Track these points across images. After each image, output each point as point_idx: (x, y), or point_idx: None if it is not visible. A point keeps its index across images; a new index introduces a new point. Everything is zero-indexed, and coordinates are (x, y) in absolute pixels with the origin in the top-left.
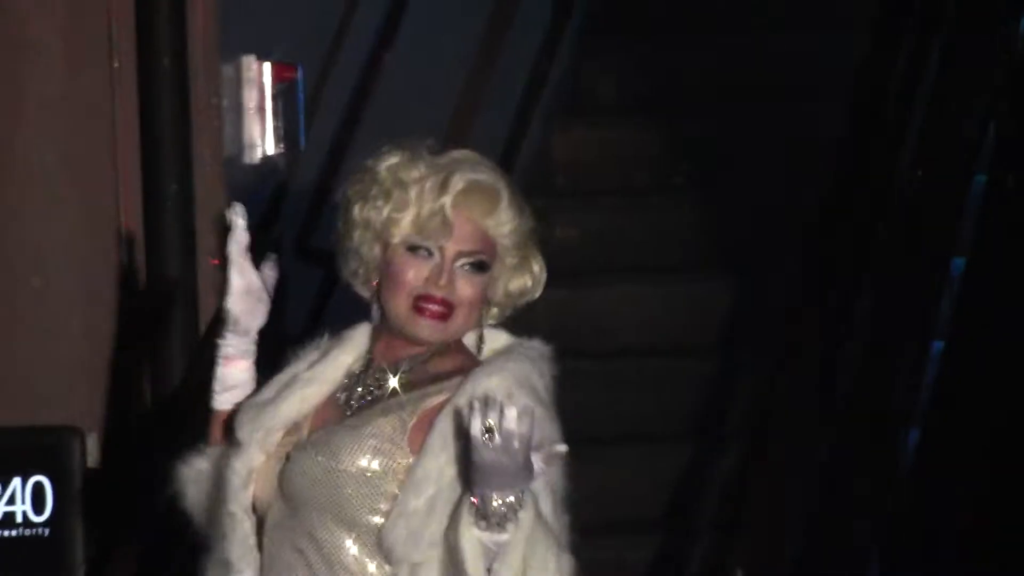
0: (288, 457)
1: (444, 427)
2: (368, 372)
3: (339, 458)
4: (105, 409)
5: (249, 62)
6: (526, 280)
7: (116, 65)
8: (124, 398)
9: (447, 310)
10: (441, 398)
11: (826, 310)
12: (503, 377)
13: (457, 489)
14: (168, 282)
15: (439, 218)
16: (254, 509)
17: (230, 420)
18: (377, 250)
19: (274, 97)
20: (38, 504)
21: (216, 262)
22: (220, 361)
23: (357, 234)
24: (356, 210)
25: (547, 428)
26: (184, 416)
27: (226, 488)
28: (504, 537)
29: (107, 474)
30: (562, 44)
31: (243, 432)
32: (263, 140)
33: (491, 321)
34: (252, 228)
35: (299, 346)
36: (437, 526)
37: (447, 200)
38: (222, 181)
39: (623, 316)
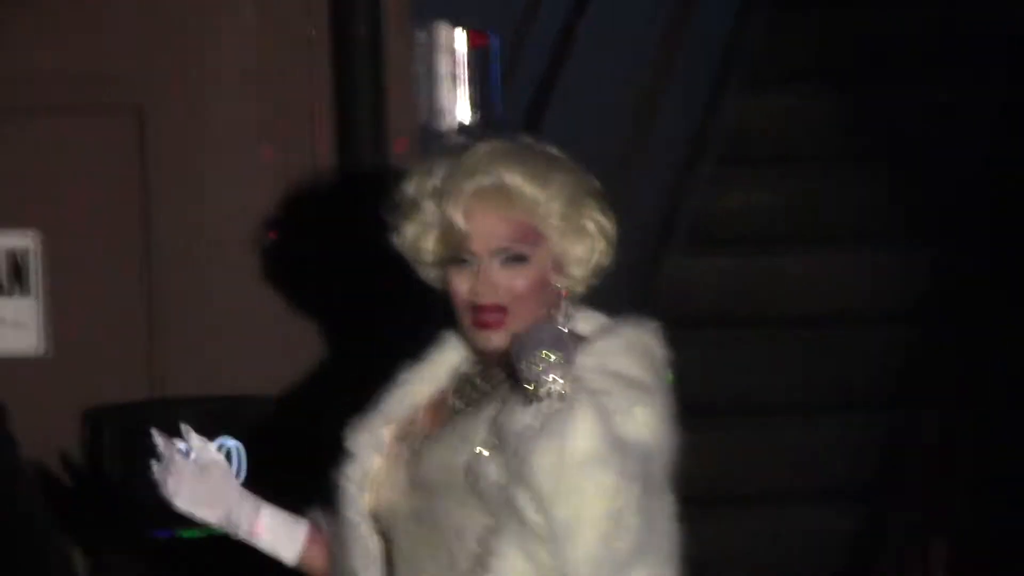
0: (413, 454)
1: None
2: (481, 373)
3: (471, 441)
4: (292, 378)
5: (443, 29)
6: (587, 243)
7: (311, 34)
8: (310, 367)
9: (500, 315)
10: None
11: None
12: (596, 354)
13: None
14: None
15: (455, 228)
16: (375, 517)
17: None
18: (433, 273)
19: (468, 64)
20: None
21: None
22: (251, 540)
23: (411, 263)
24: (396, 242)
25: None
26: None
27: (342, 496)
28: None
29: (294, 441)
30: (756, 10)
31: (351, 440)
32: (457, 107)
33: (579, 290)
34: None
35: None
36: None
37: (456, 210)
38: (418, 149)
39: (822, 282)
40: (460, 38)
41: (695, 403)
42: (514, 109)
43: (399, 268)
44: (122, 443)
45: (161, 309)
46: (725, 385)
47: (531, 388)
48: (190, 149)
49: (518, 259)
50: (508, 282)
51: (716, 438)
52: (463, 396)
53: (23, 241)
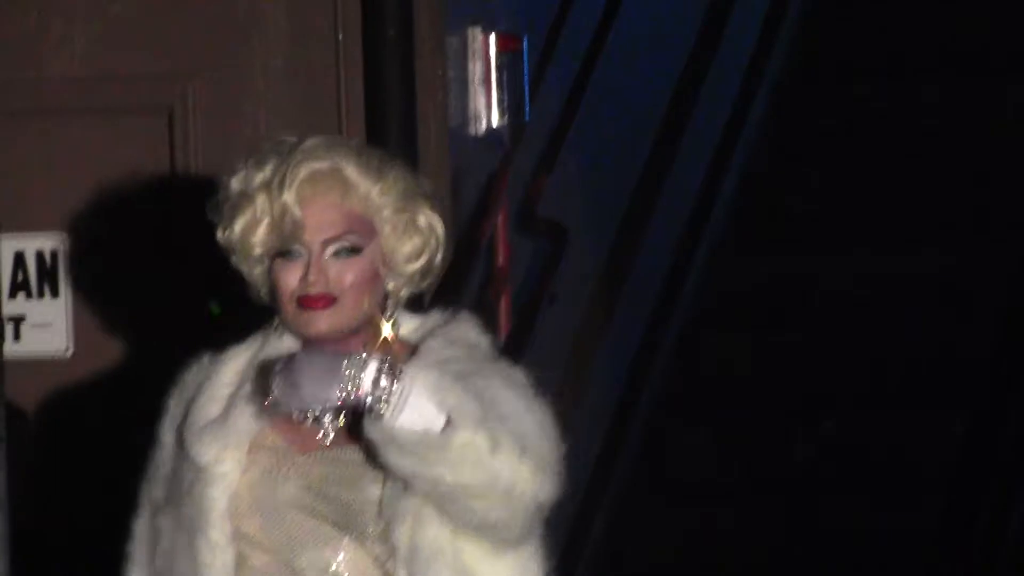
0: (266, 475)
1: None
2: None
3: (365, 473)
4: None
5: (474, 33)
6: (416, 241)
7: (341, 37)
8: None
9: (327, 303)
10: None
11: None
12: (433, 354)
13: None
14: None
15: (289, 216)
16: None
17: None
18: (258, 269)
19: (499, 68)
20: None
21: None
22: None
23: (233, 260)
24: (218, 235)
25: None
26: None
27: (204, 516)
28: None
29: None
30: (789, 10)
31: (208, 453)
32: (488, 111)
33: (405, 292)
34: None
35: (206, 358)
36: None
37: (289, 196)
38: (447, 153)
39: None
40: (491, 42)
41: None
42: (543, 113)
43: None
44: None
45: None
46: None
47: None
48: (219, 151)
49: (351, 251)
50: (339, 274)
51: None
52: None
53: (52, 243)
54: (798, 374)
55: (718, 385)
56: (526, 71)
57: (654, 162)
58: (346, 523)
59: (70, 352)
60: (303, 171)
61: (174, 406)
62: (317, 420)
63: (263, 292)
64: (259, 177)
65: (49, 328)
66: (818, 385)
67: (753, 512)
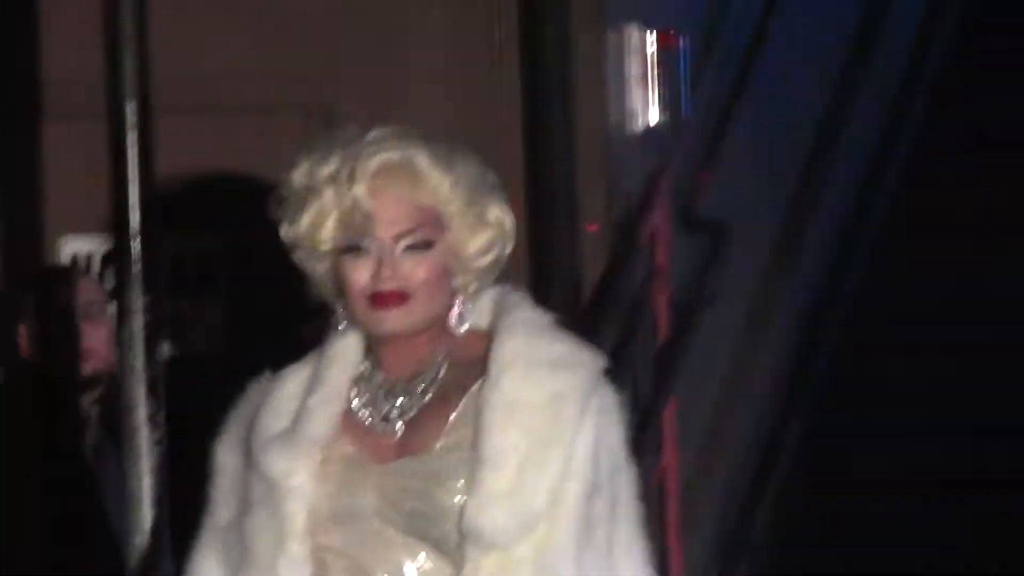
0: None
1: (494, 402)
2: (392, 385)
3: (442, 482)
4: None
5: (632, 31)
6: (487, 234)
7: (500, 35)
8: None
9: (401, 300)
10: (478, 382)
11: None
12: (518, 335)
13: (541, 458)
14: (552, 250)
15: (359, 210)
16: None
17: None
18: (322, 266)
19: (657, 66)
20: None
21: (594, 228)
22: None
23: (297, 257)
24: (282, 232)
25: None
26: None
27: (283, 531)
28: None
29: None
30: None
31: (279, 464)
32: (646, 109)
33: (472, 288)
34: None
35: (265, 377)
36: (536, 499)
37: (360, 189)
38: (606, 151)
39: None
40: (649, 39)
41: None
42: (702, 110)
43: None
44: None
45: None
46: None
47: None
48: None
49: (425, 245)
50: (411, 269)
51: None
52: (374, 407)
53: (210, 243)
54: (969, 373)
55: (886, 383)
56: (684, 68)
57: (815, 157)
58: (424, 532)
59: (228, 352)
60: (374, 163)
61: (234, 426)
62: (387, 421)
63: (326, 289)
64: (325, 170)
65: (207, 328)
66: (986, 384)
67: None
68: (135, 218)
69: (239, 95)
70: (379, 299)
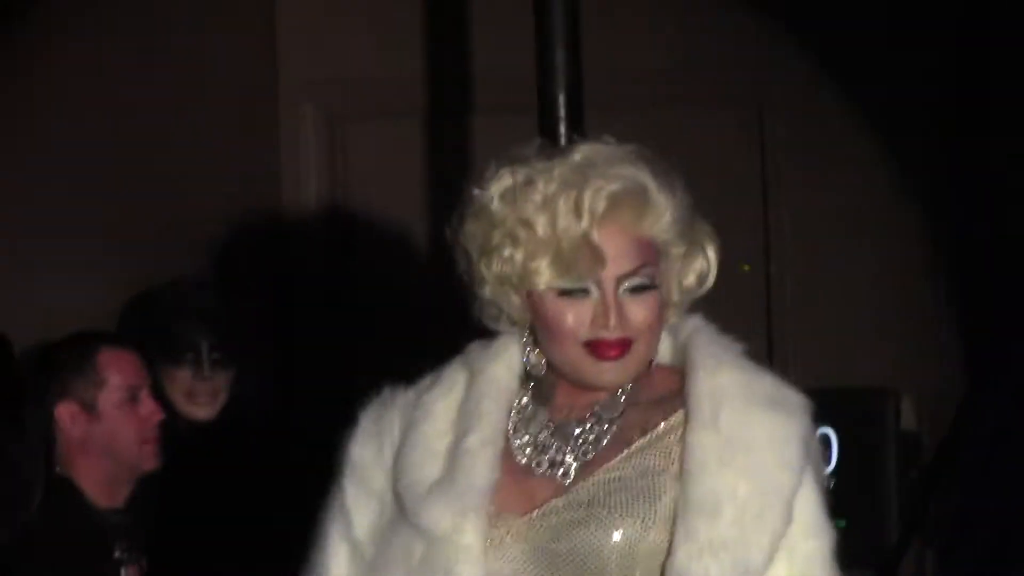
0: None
1: (707, 441)
2: (559, 425)
3: (613, 521)
4: (919, 372)
5: None
6: (700, 266)
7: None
8: (935, 361)
9: (624, 348)
10: (671, 417)
11: None
12: (727, 369)
13: (761, 506)
14: None
15: (586, 250)
16: None
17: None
18: (517, 299)
19: None
20: None
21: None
22: None
23: (489, 289)
24: (482, 265)
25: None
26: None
27: None
28: None
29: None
30: None
31: (444, 520)
32: None
33: (672, 321)
34: None
35: (387, 395)
36: (754, 552)
37: (589, 226)
38: None
39: None
40: None
41: None
42: None
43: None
44: None
45: (779, 298)
46: None
47: None
48: (806, 145)
49: (647, 287)
50: (635, 314)
51: None
52: (535, 448)
53: None
54: None
55: None
56: None
57: None
58: (581, 574)
59: None
60: (605, 196)
61: (364, 453)
62: (556, 467)
63: (507, 319)
64: (535, 196)
65: None
66: None
67: None
68: None
69: (671, 88)
70: (601, 348)
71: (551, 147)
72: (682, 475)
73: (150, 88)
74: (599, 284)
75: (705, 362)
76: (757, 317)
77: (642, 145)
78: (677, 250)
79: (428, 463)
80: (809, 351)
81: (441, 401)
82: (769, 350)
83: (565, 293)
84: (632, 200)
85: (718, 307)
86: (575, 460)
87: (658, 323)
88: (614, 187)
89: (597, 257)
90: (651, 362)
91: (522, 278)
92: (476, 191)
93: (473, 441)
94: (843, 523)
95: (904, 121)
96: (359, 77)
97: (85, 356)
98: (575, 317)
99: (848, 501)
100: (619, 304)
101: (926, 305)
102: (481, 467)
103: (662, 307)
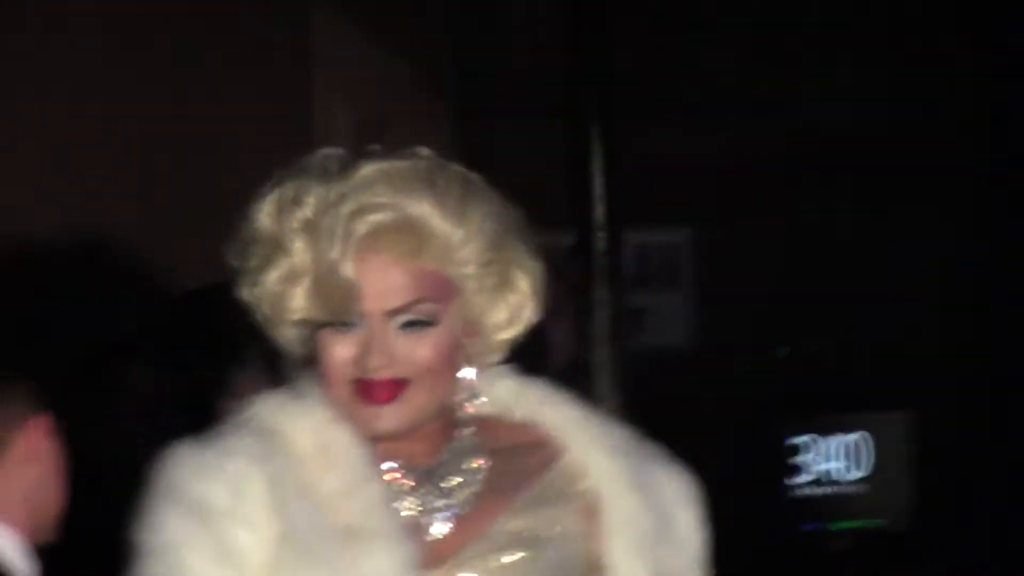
0: None
1: (629, 506)
2: (418, 473)
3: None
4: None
5: None
6: (510, 302)
7: None
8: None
9: (395, 391)
10: (552, 466)
11: None
12: (604, 425)
13: None
14: None
15: (342, 281)
16: None
17: None
18: (292, 332)
19: None
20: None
21: None
22: None
23: (259, 318)
24: (243, 288)
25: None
26: None
27: None
28: None
29: None
30: None
31: (385, 570)
32: None
33: (491, 360)
34: None
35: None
36: None
37: (342, 255)
38: None
39: None
40: None
41: None
42: None
43: None
44: None
45: None
46: None
47: None
48: None
49: (424, 323)
50: (409, 352)
51: None
52: (407, 499)
53: (675, 238)
54: None
55: None
56: None
57: None
58: None
59: (690, 345)
60: (362, 223)
61: (183, 498)
62: (432, 515)
63: (300, 354)
64: (297, 215)
65: (670, 321)
66: None
67: None
68: (600, 212)
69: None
70: (367, 390)
71: (344, 159)
72: (614, 549)
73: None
74: (363, 317)
75: (574, 415)
76: None
77: (453, 161)
78: (478, 284)
79: (325, 511)
80: None
81: (294, 447)
82: None
83: (328, 326)
84: (404, 229)
85: None
86: (450, 511)
87: (442, 364)
88: (379, 216)
89: (351, 290)
90: (452, 410)
91: (273, 307)
92: (246, 213)
93: (376, 488)
94: None
95: None
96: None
97: None
98: (339, 352)
99: None
100: (388, 342)
101: None
102: (396, 516)
103: (450, 347)
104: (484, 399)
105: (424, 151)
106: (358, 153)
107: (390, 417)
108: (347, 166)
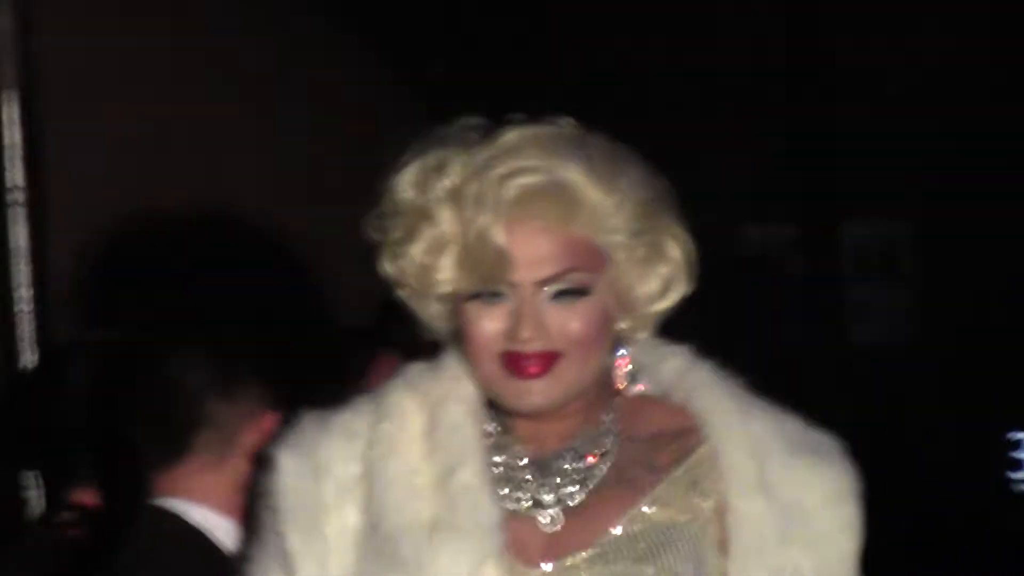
0: None
1: (758, 509)
2: (538, 460)
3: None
4: None
5: None
6: (661, 273)
7: None
8: None
9: (546, 364)
10: (686, 460)
11: None
12: (756, 414)
13: None
14: None
15: (492, 248)
16: None
17: None
18: (438, 306)
19: None
20: None
21: None
22: None
23: (403, 293)
24: (385, 261)
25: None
26: None
27: None
28: None
29: None
30: None
31: (458, 568)
32: None
33: (640, 335)
34: None
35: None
36: None
37: (489, 219)
38: None
39: None
40: None
41: None
42: None
43: None
44: None
45: None
46: None
47: None
48: None
49: (577, 292)
50: (561, 323)
51: None
52: (514, 486)
53: (895, 230)
54: None
55: None
56: None
57: None
58: None
59: (913, 339)
60: (511, 187)
61: (301, 494)
62: (540, 507)
63: (442, 331)
64: (443, 183)
65: (891, 315)
66: None
67: None
68: (820, 205)
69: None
70: (516, 363)
71: (484, 127)
72: (732, 550)
73: None
74: (513, 288)
75: (725, 404)
76: None
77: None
78: (629, 254)
79: (412, 503)
80: None
81: (402, 433)
82: None
83: (476, 297)
84: (553, 195)
85: None
86: (558, 503)
87: (595, 336)
88: (529, 179)
89: (502, 258)
90: (617, 389)
91: (419, 279)
92: (388, 182)
93: (468, 476)
94: None
95: None
96: None
97: None
98: (488, 324)
99: None
100: (540, 312)
101: None
102: (485, 505)
103: (602, 319)
104: (640, 387)
105: (568, 119)
106: (500, 122)
107: (540, 392)
108: (490, 133)
